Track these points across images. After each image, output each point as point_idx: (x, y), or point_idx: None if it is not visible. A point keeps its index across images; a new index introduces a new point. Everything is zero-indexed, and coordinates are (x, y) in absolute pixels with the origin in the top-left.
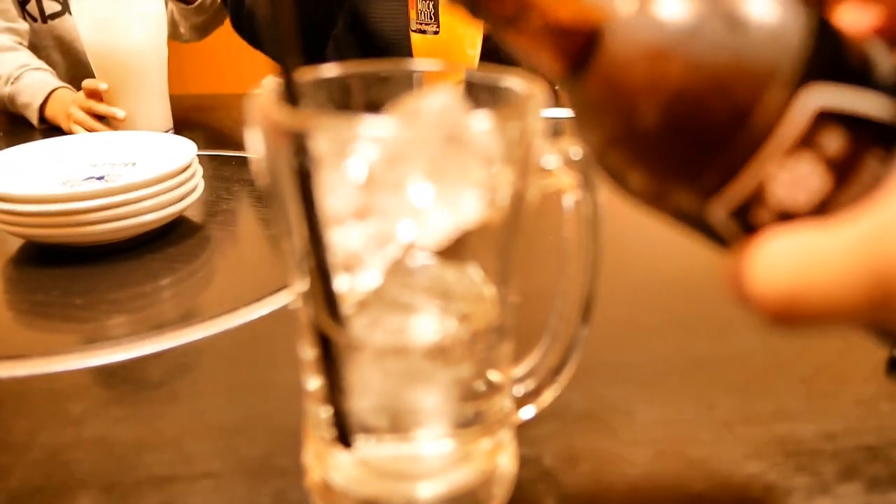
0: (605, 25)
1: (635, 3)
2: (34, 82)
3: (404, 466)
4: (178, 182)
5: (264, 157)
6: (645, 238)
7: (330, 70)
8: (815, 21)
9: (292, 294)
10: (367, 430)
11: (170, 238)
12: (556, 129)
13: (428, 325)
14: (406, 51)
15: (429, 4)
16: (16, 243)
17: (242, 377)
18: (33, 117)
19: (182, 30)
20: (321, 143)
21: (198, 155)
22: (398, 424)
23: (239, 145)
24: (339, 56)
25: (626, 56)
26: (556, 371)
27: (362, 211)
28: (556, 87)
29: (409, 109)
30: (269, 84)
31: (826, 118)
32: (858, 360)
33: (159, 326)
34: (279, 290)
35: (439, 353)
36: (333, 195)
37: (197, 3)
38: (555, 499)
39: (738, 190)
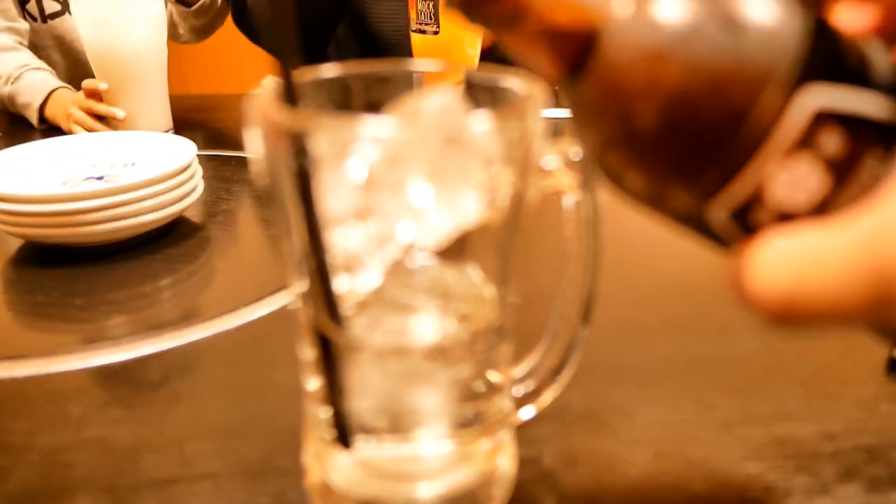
0: (602, 28)
1: (631, 5)
2: (34, 82)
3: (404, 467)
4: (177, 182)
5: (264, 157)
6: (645, 238)
7: (330, 70)
8: (811, 21)
9: (292, 294)
10: (367, 430)
11: (170, 238)
12: (555, 130)
13: (428, 326)
14: (406, 51)
15: (429, 4)
16: (15, 243)
17: (242, 378)
18: (33, 117)
19: (181, 30)
20: (321, 143)
21: (197, 155)
22: (398, 425)
23: (239, 145)
24: (340, 56)
25: (624, 58)
26: (556, 371)
27: (362, 211)
28: (556, 88)
29: (408, 110)
30: (268, 84)
31: (824, 118)
32: (858, 360)
33: (159, 327)
34: (279, 290)
35: (439, 353)
36: (333, 196)
37: (197, 5)
38: (554, 499)
39: (738, 191)
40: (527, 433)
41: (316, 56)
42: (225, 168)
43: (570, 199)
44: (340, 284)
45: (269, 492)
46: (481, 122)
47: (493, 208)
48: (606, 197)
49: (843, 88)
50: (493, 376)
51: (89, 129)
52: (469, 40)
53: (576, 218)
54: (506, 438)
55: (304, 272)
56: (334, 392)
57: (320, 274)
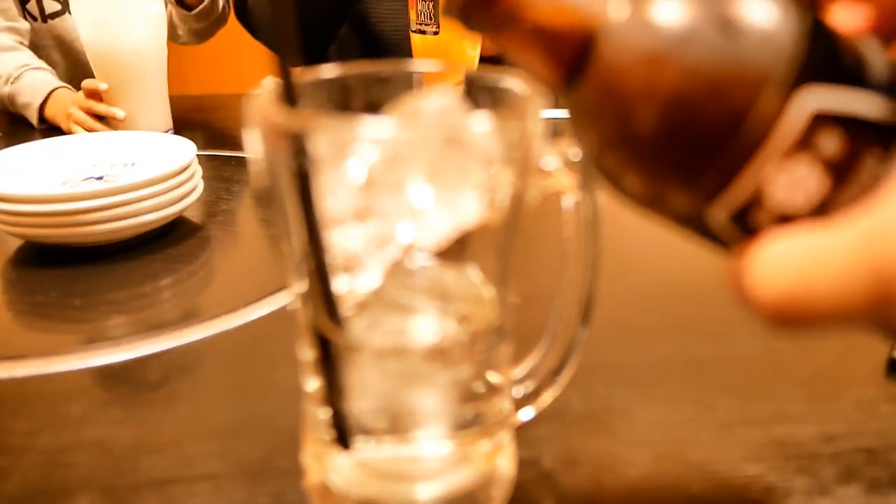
0: (599, 31)
1: (628, 8)
2: (34, 82)
3: (403, 468)
4: (177, 182)
5: (263, 157)
6: (644, 239)
7: (329, 71)
8: (808, 23)
9: (291, 295)
10: (366, 431)
11: (169, 238)
12: (555, 131)
13: (427, 327)
14: (407, 51)
15: (428, 5)
16: (15, 244)
17: (242, 378)
18: (33, 117)
19: (180, 32)
20: (320, 144)
21: (197, 155)
22: (397, 426)
23: (239, 145)
24: (342, 56)
25: (621, 62)
26: (556, 372)
27: (361, 212)
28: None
29: (408, 110)
30: (268, 84)
31: (822, 120)
32: (858, 362)
33: (159, 327)
34: (278, 290)
35: (438, 354)
36: (333, 196)
37: (197, 9)
38: (554, 500)
39: (737, 193)
40: (526, 434)
41: (317, 56)
42: (225, 168)
43: (569, 200)
44: (340, 285)
45: (268, 492)
46: (481, 122)
47: (492, 209)
48: (606, 197)
49: (841, 89)
50: (493, 377)
51: (89, 129)
52: (469, 41)
53: (575, 218)
54: (505, 439)
55: (304, 272)
56: (334, 393)
57: (320, 274)
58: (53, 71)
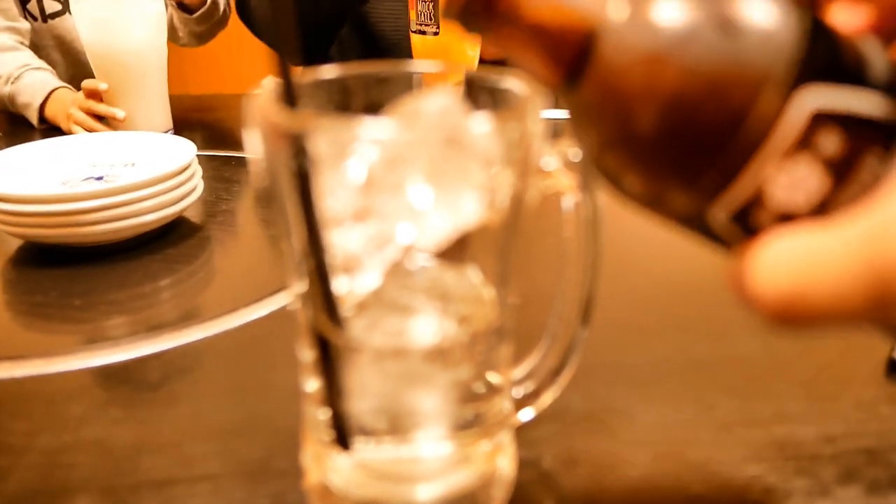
0: (599, 32)
1: (627, 8)
2: (34, 82)
3: (403, 469)
4: (177, 182)
5: (263, 157)
6: (644, 239)
7: (329, 71)
8: (808, 22)
9: (291, 295)
10: (366, 432)
11: (169, 238)
12: (555, 131)
13: (427, 327)
14: (407, 51)
15: (428, 5)
16: (14, 244)
17: (242, 378)
18: (33, 117)
19: (180, 34)
20: (320, 144)
21: (197, 155)
22: (397, 426)
23: (239, 146)
24: (343, 56)
25: (621, 62)
26: (556, 373)
27: (361, 213)
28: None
29: (408, 111)
30: (268, 85)
31: (822, 119)
32: (858, 362)
33: (158, 327)
34: (278, 291)
35: (438, 354)
36: (332, 197)
37: (198, 13)
38: (554, 501)
39: (738, 193)
40: (526, 434)
41: (318, 56)
42: (225, 168)
43: (569, 200)
44: (340, 285)
45: (268, 493)
46: (481, 123)
47: (492, 209)
48: (606, 197)
49: (841, 88)
50: (493, 378)
51: (89, 130)
52: (469, 42)
53: (575, 219)
54: (505, 440)
55: (304, 273)
56: (333, 393)
57: (320, 275)
58: (54, 71)
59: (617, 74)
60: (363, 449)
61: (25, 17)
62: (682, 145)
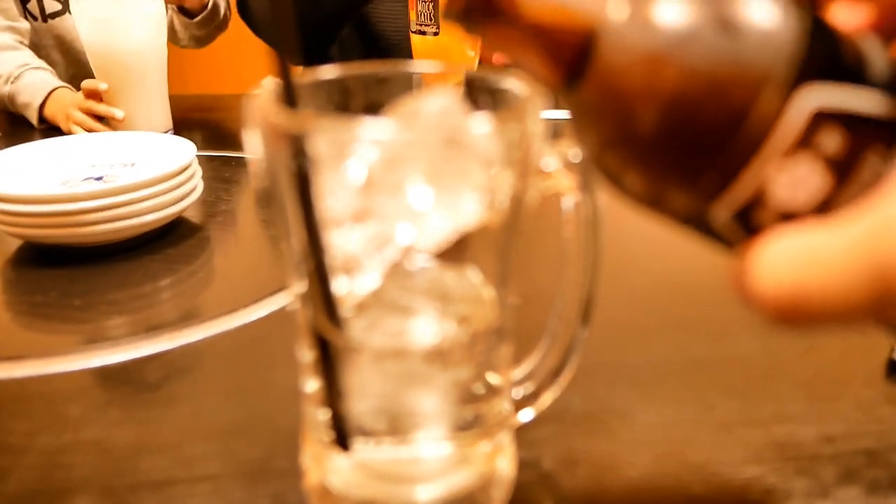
0: (599, 32)
1: (627, 8)
2: (34, 82)
3: (403, 469)
4: (177, 182)
5: (263, 158)
6: (644, 240)
7: (329, 71)
8: (808, 21)
9: (291, 296)
10: (366, 432)
11: (169, 239)
12: (555, 131)
13: (427, 328)
14: (407, 51)
15: (428, 6)
16: (14, 244)
17: (241, 379)
18: (33, 117)
19: (181, 36)
20: (320, 145)
21: (197, 155)
22: (397, 427)
23: (238, 146)
24: (343, 56)
25: (621, 62)
26: (556, 373)
27: (361, 213)
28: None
29: (408, 111)
30: (268, 85)
31: (823, 118)
32: (858, 363)
33: (158, 327)
34: (278, 291)
35: (438, 355)
36: (332, 197)
37: (199, 17)
38: (554, 501)
39: (739, 193)
40: (526, 435)
41: (318, 56)
42: (225, 168)
43: (569, 201)
44: (339, 286)
45: (268, 493)
46: (481, 123)
47: (492, 210)
48: (606, 197)
49: (842, 87)
50: (493, 378)
51: (89, 130)
52: (469, 42)
53: (575, 219)
54: (505, 440)
55: (304, 273)
56: (333, 394)
57: (319, 275)
58: (53, 71)
59: (617, 74)
60: (363, 449)
61: (25, 17)
62: (683, 145)
